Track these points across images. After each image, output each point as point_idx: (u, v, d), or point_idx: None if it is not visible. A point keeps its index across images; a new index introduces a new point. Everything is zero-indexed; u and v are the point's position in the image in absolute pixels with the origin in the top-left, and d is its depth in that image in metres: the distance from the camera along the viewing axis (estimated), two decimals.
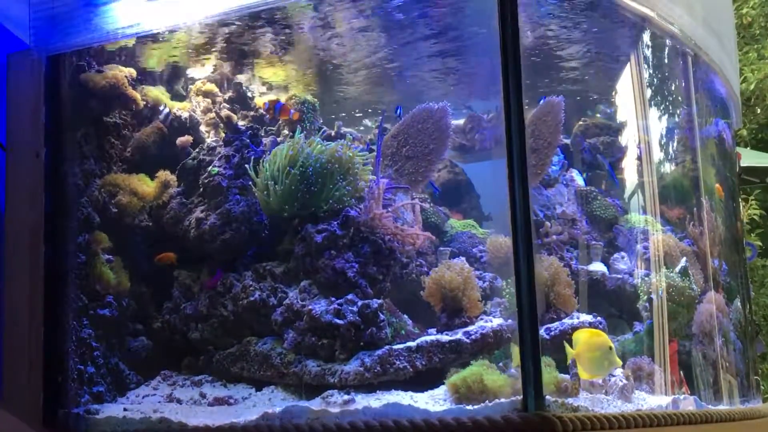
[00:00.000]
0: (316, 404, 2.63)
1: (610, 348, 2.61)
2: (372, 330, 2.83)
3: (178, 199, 3.40)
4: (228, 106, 3.73)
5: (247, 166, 3.27)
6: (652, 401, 2.90)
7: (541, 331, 2.83)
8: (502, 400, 2.34)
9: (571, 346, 2.66)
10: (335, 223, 3.09)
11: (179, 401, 2.96)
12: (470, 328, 2.90)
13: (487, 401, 2.39)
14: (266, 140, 3.54)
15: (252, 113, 3.76)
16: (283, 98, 3.81)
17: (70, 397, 2.96)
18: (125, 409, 2.89)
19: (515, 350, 2.37)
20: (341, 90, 4.10)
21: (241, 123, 3.62)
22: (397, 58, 3.80)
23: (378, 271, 3.05)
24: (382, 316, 2.87)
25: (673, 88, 4.02)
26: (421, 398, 2.60)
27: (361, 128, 4.36)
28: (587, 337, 2.66)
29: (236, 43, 3.59)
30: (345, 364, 2.79)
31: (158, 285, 3.35)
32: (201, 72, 3.84)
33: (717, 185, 4.23)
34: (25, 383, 2.92)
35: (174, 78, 3.82)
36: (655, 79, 3.92)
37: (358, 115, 4.38)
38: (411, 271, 3.24)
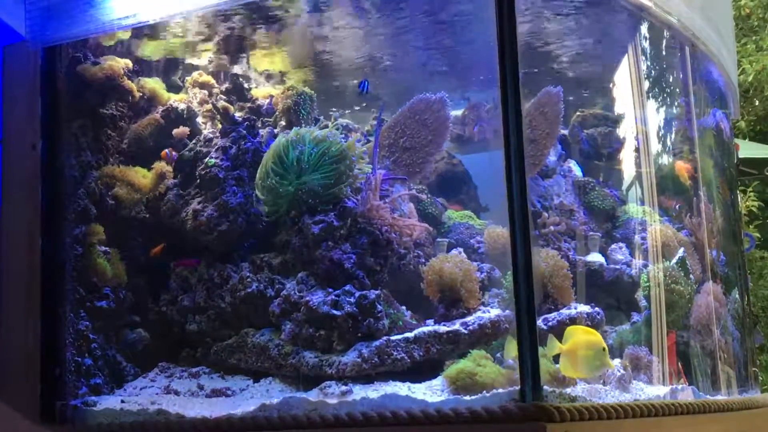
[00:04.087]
0: (313, 395, 2.63)
1: (604, 349, 2.55)
2: (369, 321, 2.83)
3: (175, 190, 3.39)
4: (225, 97, 3.71)
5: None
6: (649, 391, 2.90)
7: (539, 322, 2.83)
8: (500, 390, 2.34)
9: (561, 341, 2.56)
10: (332, 214, 3.08)
11: (177, 393, 2.96)
12: (468, 318, 2.90)
13: (484, 392, 2.39)
14: (263, 131, 3.53)
15: (249, 104, 3.75)
16: (279, 89, 3.80)
17: (68, 389, 2.95)
18: (123, 401, 2.89)
19: (511, 344, 2.36)
20: (338, 81, 4.08)
21: (237, 114, 3.61)
22: (394, 48, 3.78)
23: (375, 262, 3.04)
24: (379, 307, 2.87)
25: (671, 78, 4.01)
26: (419, 389, 2.60)
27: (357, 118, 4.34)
28: (582, 334, 2.59)
29: (233, 34, 3.58)
30: (342, 355, 2.79)
31: (155, 277, 3.35)
32: (198, 63, 3.82)
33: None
34: (23, 376, 2.91)
35: (171, 69, 3.81)
36: (653, 70, 3.91)
37: (356, 107, 4.36)
38: (408, 262, 3.23)
